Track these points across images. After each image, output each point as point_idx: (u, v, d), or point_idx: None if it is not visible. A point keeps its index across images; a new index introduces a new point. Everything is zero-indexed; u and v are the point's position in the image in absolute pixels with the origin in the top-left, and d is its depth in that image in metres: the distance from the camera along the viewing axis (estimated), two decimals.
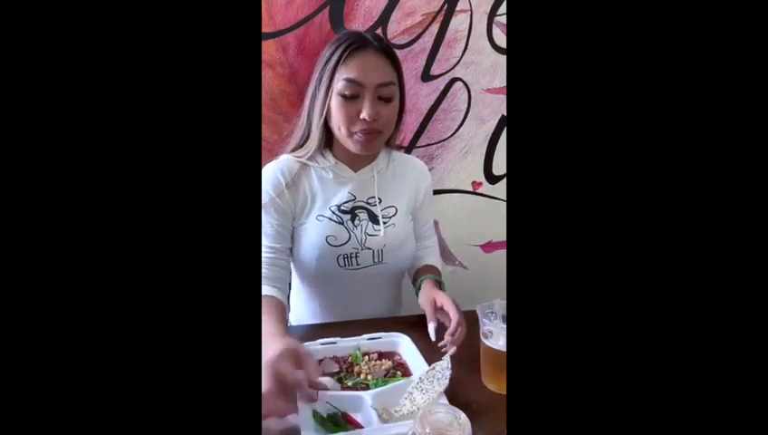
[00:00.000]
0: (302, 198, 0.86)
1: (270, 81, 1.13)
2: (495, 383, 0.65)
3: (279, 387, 0.49)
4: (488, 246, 1.38)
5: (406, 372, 0.68)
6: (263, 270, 0.80)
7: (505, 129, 1.28)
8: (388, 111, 0.81)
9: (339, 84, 0.78)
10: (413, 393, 0.60)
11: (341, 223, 0.86)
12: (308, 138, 0.86)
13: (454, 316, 0.70)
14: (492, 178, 1.32)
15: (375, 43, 0.79)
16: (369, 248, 0.87)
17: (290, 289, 0.91)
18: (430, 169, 1.25)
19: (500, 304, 0.68)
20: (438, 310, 0.76)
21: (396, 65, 0.82)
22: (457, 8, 1.17)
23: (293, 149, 0.88)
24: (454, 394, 0.61)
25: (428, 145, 1.27)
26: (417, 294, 0.86)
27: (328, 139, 0.86)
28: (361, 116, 0.78)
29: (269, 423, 0.50)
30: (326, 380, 0.57)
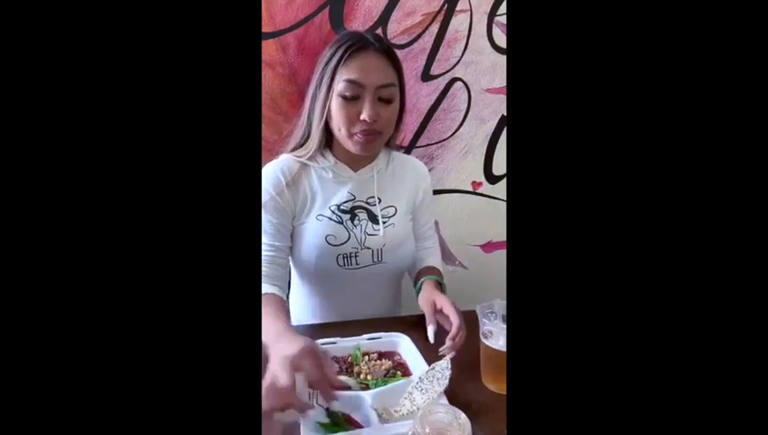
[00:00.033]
0: (302, 198, 0.86)
1: (270, 81, 1.13)
2: (495, 383, 0.65)
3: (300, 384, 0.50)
4: (488, 246, 1.38)
5: (406, 372, 0.68)
6: (263, 268, 0.80)
7: (505, 129, 1.28)
8: (389, 112, 0.81)
9: (339, 85, 0.78)
10: (413, 393, 0.60)
11: (341, 222, 0.86)
12: (308, 138, 0.86)
13: (454, 320, 0.70)
14: (492, 178, 1.32)
15: (376, 44, 0.79)
16: (369, 248, 0.87)
17: (289, 288, 0.91)
18: (430, 170, 1.25)
19: (500, 304, 0.68)
20: (438, 312, 0.75)
21: (396, 66, 0.82)
22: (457, 8, 1.17)
23: (293, 149, 0.88)
24: (454, 394, 0.61)
25: (428, 145, 1.27)
26: (417, 296, 0.86)
27: (328, 139, 0.86)
28: (361, 117, 0.78)
29: (283, 416, 0.51)
30: (347, 379, 0.57)
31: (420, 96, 1.22)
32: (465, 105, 1.25)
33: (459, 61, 1.21)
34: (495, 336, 0.64)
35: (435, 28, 1.17)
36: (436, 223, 1.04)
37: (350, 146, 0.82)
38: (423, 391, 0.60)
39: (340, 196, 0.87)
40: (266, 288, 0.76)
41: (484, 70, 1.23)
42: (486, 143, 1.29)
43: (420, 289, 0.85)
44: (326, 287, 0.90)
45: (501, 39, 1.21)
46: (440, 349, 0.68)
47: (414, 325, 0.79)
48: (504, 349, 0.63)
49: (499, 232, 1.37)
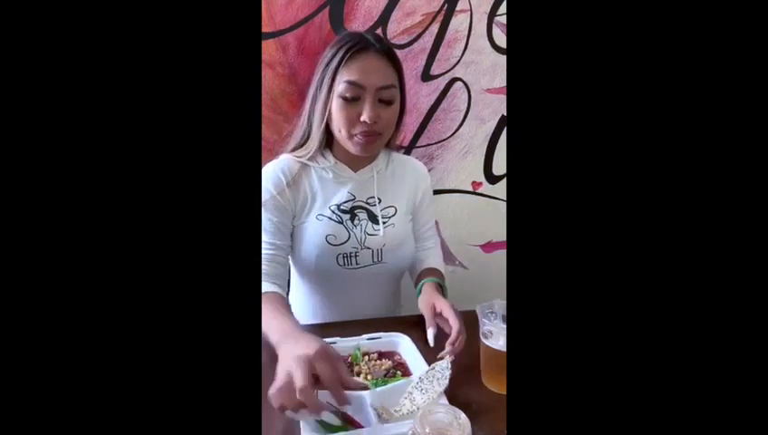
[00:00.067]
0: (303, 197, 0.86)
1: (270, 81, 1.13)
2: (495, 383, 0.65)
3: (315, 384, 0.50)
4: (488, 246, 1.38)
5: (406, 372, 0.68)
6: (264, 266, 0.80)
7: (505, 129, 1.28)
8: (389, 113, 0.81)
9: (340, 86, 0.78)
10: (413, 393, 0.60)
11: (341, 222, 0.86)
12: (308, 138, 0.86)
13: (454, 324, 0.69)
14: (492, 178, 1.32)
15: (377, 45, 0.79)
16: (369, 248, 0.87)
17: (289, 287, 0.91)
18: (430, 170, 1.25)
19: (500, 304, 0.68)
20: (438, 316, 0.75)
21: (397, 68, 0.82)
22: (457, 8, 1.17)
23: (293, 149, 0.88)
24: (454, 394, 0.61)
25: (428, 145, 1.27)
26: (418, 296, 0.85)
27: (328, 139, 0.86)
28: (362, 118, 0.78)
29: (295, 415, 0.51)
30: (361, 380, 0.57)
31: (420, 96, 1.22)
32: (465, 105, 1.25)
33: (459, 61, 1.21)
34: (495, 336, 0.64)
35: (435, 28, 1.17)
36: (437, 223, 1.04)
37: (351, 147, 0.82)
38: (423, 391, 0.59)
39: (341, 196, 0.87)
40: (268, 287, 0.76)
41: (484, 70, 1.23)
42: (486, 143, 1.29)
43: (421, 291, 0.85)
44: (326, 287, 0.90)
45: (501, 39, 1.21)
46: (439, 354, 0.68)
47: (414, 325, 0.79)
48: (504, 349, 0.63)
49: (499, 232, 1.37)
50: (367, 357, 0.71)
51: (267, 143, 1.13)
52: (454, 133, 1.27)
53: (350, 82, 0.77)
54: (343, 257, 0.86)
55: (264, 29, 1.09)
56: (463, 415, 0.47)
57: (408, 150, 1.25)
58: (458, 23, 1.18)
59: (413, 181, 0.95)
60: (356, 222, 0.87)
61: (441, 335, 0.73)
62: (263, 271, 0.79)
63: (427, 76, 1.21)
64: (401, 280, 0.99)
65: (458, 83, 1.23)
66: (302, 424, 0.54)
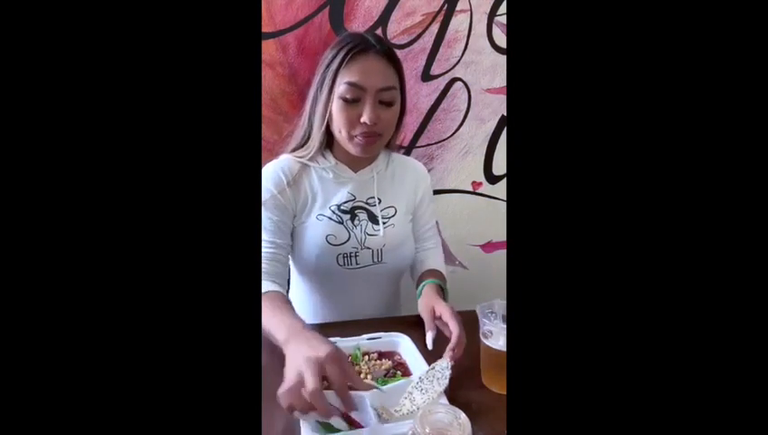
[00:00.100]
0: (303, 197, 0.86)
1: (270, 81, 1.13)
2: (495, 383, 0.65)
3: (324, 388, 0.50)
4: (488, 246, 1.38)
5: (406, 372, 0.68)
6: (264, 265, 0.80)
7: (505, 129, 1.28)
8: (389, 114, 0.81)
9: (340, 88, 0.78)
10: (413, 393, 0.60)
11: (341, 222, 0.86)
12: (309, 139, 0.86)
13: (454, 329, 0.68)
14: (492, 178, 1.32)
15: (377, 47, 0.79)
16: (369, 248, 0.87)
17: (288, 287, 0.91)
18: (430, 170, 1.25)
19: (500, 304, 0.68)
20: (438, 319, 0.74)
21: (398, 69, 0.82)
22: (457, 8, 1.17)
23: (294, 150, 0.88)
24: (454, 394, 0.61)
25: (428, 145, 1.27)
26: (418, 298, 0.85)
27: (328, 140, 0.86)
28: (362, 120, 0.78)
29: (304, 416, 0.51)
30: (371, 382, 0.57)
31: (420, 96, 1.22)
32: (465, 105, 1.25)
33: (459, 61, 1.21)
34: (495, 336, 0.64)
35: (435, 28, 1.17)
36: (437, 223, 1.04)
37: (351, 148, 0.82)
38: (423, 391, 0.59)
39: (341, 196, 0.87)
40: (269, 286, 0.76)
41: (484, 70, 1.23)
42: (486, 143, 1.29)
43: (421, 293, 0.84)
44: (326, 287, 0.91)
45: (501, 39, 1.21)
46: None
47: (414, 325, 0.79)
48: (504, 349, 0.63)
49: (499, 232, 1.37)
50: (367, 357, 0.70)
51: (267, 143, 1.13)
52: (454, 133, 1.27)
53: (350, 84, 0.77)
54: (343, 257, 0.86)
55: (264, 29, 1.09)
56: (463, 415, 0.47)
57: (408, 150, 1.25)
58: (458, 23, 1.18)
59: (413, 182, 0.95)
60: (356, 222, 0.87)
61: (441, 339, 0.72)
62: (264, 269, 0.79)
63: (427, 76, 1.21)
64: (400, 280, 0.99)
65: (458, 83, 1.23)
66: (302, 424, 0.54)
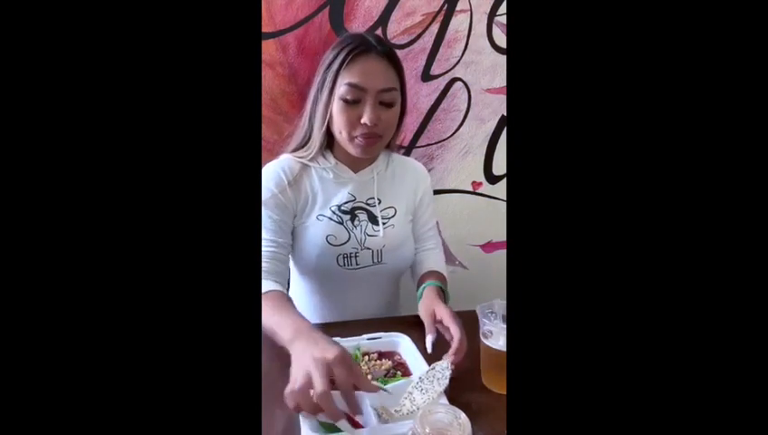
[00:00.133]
0: (304, 197, 0.86)
1: (270, 81, 1.13)
2: (495, 383, 0.65)
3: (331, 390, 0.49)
4: (488, 246, 1.38)
5: (406, 372, 0.68)
6: (265, 264, 0.80)
7: (505, 129, 1.28)
8: (389, 115, 0.81)
9: (341, 89, 0.78)
10: (413, 393, 0.60)
11: (341, 223, 0.86)
12: (309, 140, 0.86)
13: (455, 334, 0.68)
14: (492, 178, 1.32)
15: (378, 48, 0.79)
16: (369, 248, 0.87)
17: (288, 287, 0.91)
18: (430, 170, 1.25)
19: (500, 304, 0.68)
20: (438, 322, 0.74)
21: (398, 70, 0.82)
22: (457, 8, 1.17)
23: (294, 150, 0.88)
24: (454, 394, 0.61)
25: (428, 145, 1.27)
26: (419, 300, 0.84)
27: (329, 140, 0.86)
28: (362, 121, 0.78)
29: (310, 417, 0.51)
30: (378, 384, 0.57)
31: (420, 96, 1.22)
32: (465, 105, 1.25)
33: (459, 61, 1.21)
34: (495, 336, 0.64)
35: (435, 28, 1.17)
36: (437, 223, 1.04)
37: (351, 149, 0.82)
38: (423, 391, 0.59)
39: (341, 196, 0.87)
40: (271, 285, 0.75)
41: (484, 70, 1.23)
42: (486, 143, 1.29)
43: (422, 295, 0.83)
44: (326, 287, 0.91)
45: (501, 39, 1.21)
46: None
47: (414, 325, 0.79)
48: (504, 349, 0.63)
49: (499, 232, 1.37)
50: (367, 357, 0.70)
51: (267, 143, 1.13)
52: (454, 133, 1.27)
53: (350, 85, 0.77)
54: (343, 258, 0.86)
55: (264, 29, 1.09)
56: (463, 415, 0.47)
57: (408, 150, 1.25)
58: (458, 23, 1.18)
59: (413, 182, 0.95)
60: (356, 223, 0.87)
61: (441, 342, 0.72)
62: (265, 268, 0.79)
63: (427, 76, 1.21)
64: (400, 280, 0.99)
65: (458, 83, 1.23)
66: (302, 424, 0.54)
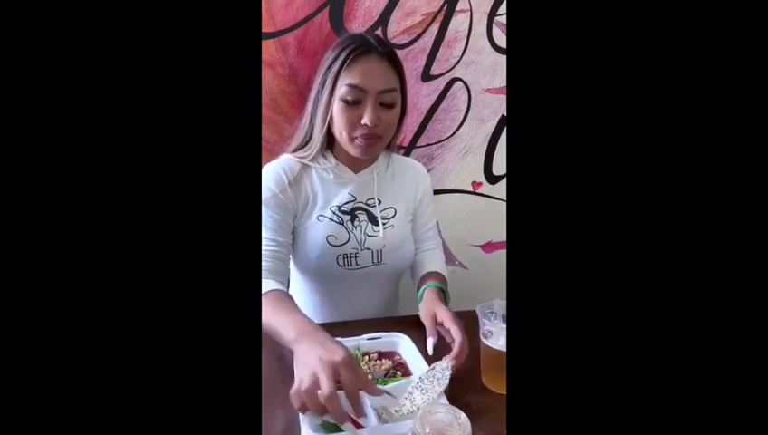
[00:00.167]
0: (304, 197, 0.86)
1: (270, 81, 1.13)
2: (495, 383, 0.65)
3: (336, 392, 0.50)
4: (488, 246, 1.38)
5: (406, 372, 0.68)
6: (266, 263, 0.80)
7: (505, 129, 1.28)
8: (390, 116, 0.81)
9: (341, 89, 0.78)
10: (413, 393, 0.60)
11: (341, 223, 0.86)
12: (310, 140, 0.86)
13: (456, 337, 0.67)
14: (492, 178, 1.32)
15: (379, 48, 0.79)
16: (369, 249, 0.87)
17: (288, 286, 0.91)
18: (430, 170, 1.25)
19: (500, 304, 0.68)
20: (439, 325, 0.74)
21: (399, 71, 0.82)
22: (457, 8, 1.17)
23: (295, 150, 0.88)
24: (454, 394, 0.61)
25: (428, 145, 1.27)
26: (419, 302, 0.84)
27: (329, 141, 0.86)
28: (363, 121, 0.78)
29: (315, 417, 0.52)
30: (384, 388, 0.57)
31: (420, 96, 1.22)
32: (465, 105, 1.25)
33: (459, 61, 1.21)
34: (495, 336, 0.64)
35: (435, 28, 1.17)
36: (437, 224, 1.04)
37: (351, 149, 0.82)
38: (423, 391, 0.59)
39: (341, 197, 0.87)
40: (272, 284, 0.75)
41: (484, 70, 1.23)
42: (486, 143, 1.29)
43: (422, 296, 0.83)
44: (326, 287, 0.91)
45: (501, 39, 1.21)
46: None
47: (414, 325, 0.79)
48: (504, 349, 0.63)
49: (499, 232, 1.37)
50: (367, 357, 0.70)
51: (267, 143, 1.13)
52: (454, 133, 1.27)
53: (351, 86, 0.77)
54: (343, 258, 0.86)
55: (264, 29, 1.09)
56: (463, 415, 0.47)
57: (408, 150, 1.25)
58: (458, 23, 1.18)
59: (413, 182, 0.95)
60: (356, 223, 0.87)
61: (441, 343, 0.72)
62: (266, 267, 0.79)
63: (427, 76, 1.21)
64: (400, 280, 0.99)
65: (458, 83, 1.23)
66: (302, 424, 0.54)
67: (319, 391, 0.49)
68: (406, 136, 1.24)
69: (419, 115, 1.24)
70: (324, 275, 0.88)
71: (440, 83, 1.22)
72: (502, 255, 1.38)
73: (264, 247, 0.81)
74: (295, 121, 0.90)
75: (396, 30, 1.15)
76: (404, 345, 0.72)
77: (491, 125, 1.28)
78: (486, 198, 1.33)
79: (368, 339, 0.73)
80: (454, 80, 1.22)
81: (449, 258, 1.35)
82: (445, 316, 0.72)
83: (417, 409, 0.57)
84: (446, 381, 0.61)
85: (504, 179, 1.33)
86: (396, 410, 0.58)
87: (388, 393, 0.56)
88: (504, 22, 1.19)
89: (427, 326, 0.75)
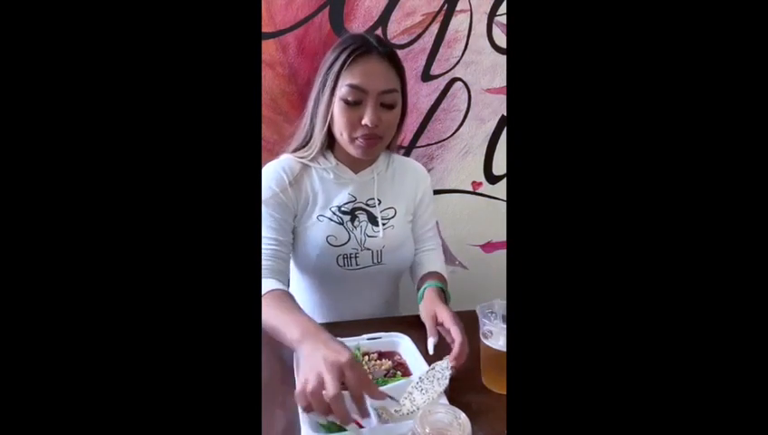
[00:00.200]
0: (305, 197, 0.86)
1: (270, 81, 1.13)
2: (495, 383, 0.65)
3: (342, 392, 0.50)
4: (488, 246, 1.38)
5: (406, 372, 0.68)
6: (267, 262, 0.80)
7: (505, 129, 1.28)
8: (390, 117, 0.81)
9: (342, 90, 0.78)
10: (413, 393, 0.60)
11: (342, 223, 0.86)
12: (310, 140, 0.86)
13: (457, 337, 0.67)
14: (492, 178, 1.32)
15: (379, 49, 0.79)
16: (369, 249, 0.87)
17: (288, 286, 0.91)
18: (430, 170, 1.25)
19: (500, 304, 0.68)
20: (440, 325, 0.74)
21: (399, 71, 0.81)
22: (457, 8, 1.17)
23: (295, 150, 0.88)
24: (454, 394, 0.61)
25: (428, 145, 1.27)
26: (420, 303, 0.84)
27: (329, 141, 0.86)
28: (363, 122, 0.78)
29: (319, 417, 0.52)
30: (387, 391, 0.57)
31: (420, 96, 1.22)
32: (465, 105, 1.25)
33: (459, 61, 1.21)
34: (495, 336, 0.64)
35: (435, 28, 1.17)
36: (437, 224, 1.04)
37: (352, 150, 0.82)
38: (423, 391, 0.59)
39: (341, 197, 0.87)
40: (274, 283, 0.75)
41: (484, 70, 1.23)
42: (486, 143, 1.29)
43: (422, 297, 0.83)
44: (326, 287, 0.91)
45: (501, 39, 1.21)
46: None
47: (414, 325, 0.79)
48: (504, 349, 0.63)
49: (499, 232, 1.37)
50: (367, 357, 0.70)
51: (267, 143, 1.13)
52: (454, 133, 1.27)
53: (352, 86, 0.77)
54: (343, 258, 0.86)
55: (264, 29, 1.09)
56: (463, 415, 0.47)
57: (408, 151, 1.25)
58: (458, 23, 1.18)
59: (413, 183, 0.95)
60: (356, 223, 0.87)
61: (441, 344, 0.72)
62: (267, 267, 0.79)
63: (427, 76, 1.21)
64: (399, 280, 0.99)
65: (458, 83, 1.23)
66: (302, 424, 0.54)
67: (324, 392, 0.50)
68: (406, 136, 1.24)
69: (419, 115, 1.23)
70: (324, 275, 0.88)
71: (440, 83, 1.22)
72: (502, 255, 1.38)
73: (264, 247, 0.81)
74: (295, 121, 0.90)
75: (396, 30, 1.15)
76: (404, 345, 0.72)
77: (491, 125, 1.28)
78: (486, 198, 1.33)
79: (368, 339, 0.73)
80: (454, 80, 1.22)
81: (449, 258, 1.35)
82: (445, 316, 0.72)
83: (417, 409, 0.57)
84: (446, 382, 0.61)
85: (504, 179, 1.33)
86: (396, 410, 0.57)
87: (391, 397, 0.56)
88: (504, 22, 1.19)
89: (427, 326, 0.75)
